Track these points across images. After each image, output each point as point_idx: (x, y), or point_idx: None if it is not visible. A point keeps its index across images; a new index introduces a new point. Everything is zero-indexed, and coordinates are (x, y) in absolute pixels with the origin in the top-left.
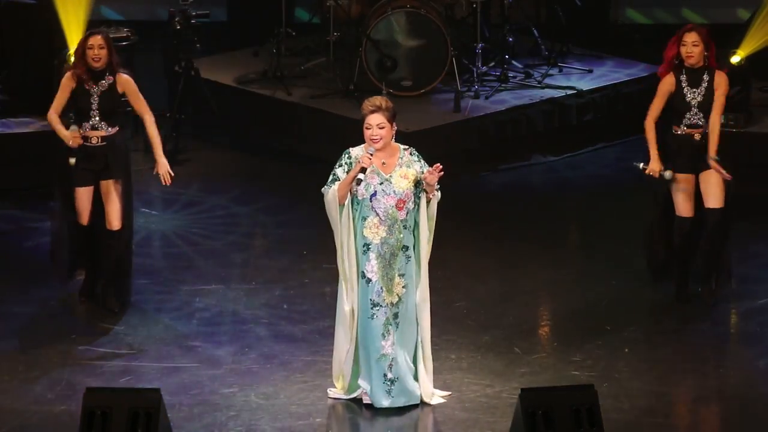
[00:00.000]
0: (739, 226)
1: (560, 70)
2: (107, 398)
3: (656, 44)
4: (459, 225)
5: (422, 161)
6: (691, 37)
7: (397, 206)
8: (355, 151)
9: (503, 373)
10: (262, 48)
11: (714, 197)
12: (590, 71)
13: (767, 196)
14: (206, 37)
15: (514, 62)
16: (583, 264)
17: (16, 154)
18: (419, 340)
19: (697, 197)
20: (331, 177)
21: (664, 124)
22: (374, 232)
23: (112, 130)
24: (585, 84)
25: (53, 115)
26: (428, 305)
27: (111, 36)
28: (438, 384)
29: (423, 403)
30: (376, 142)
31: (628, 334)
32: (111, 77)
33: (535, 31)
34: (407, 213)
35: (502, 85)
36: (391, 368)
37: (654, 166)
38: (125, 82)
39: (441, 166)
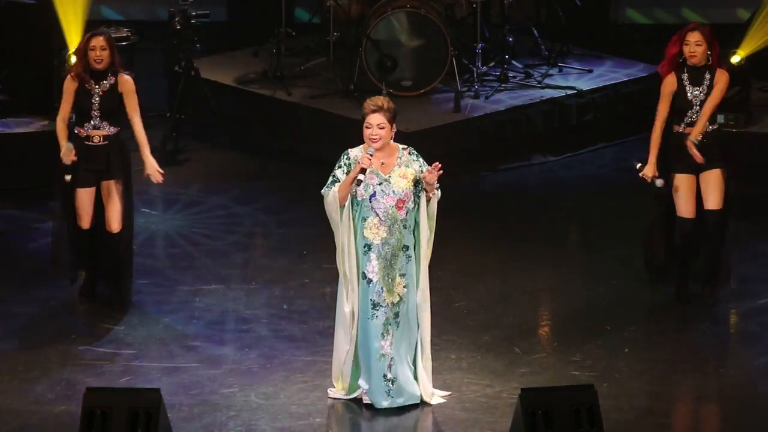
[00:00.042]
0: (740, 226)
1: (560, 70)
2: (107, 398)
3: (656, 44)
4: (459, 225)
5: (421, 160)
6: (694, 37)
7: (396, 206)
8: (354, 152)
9: (503, 373)
10: (262, 48)
11: (713, 198)
12: (590, 71)
13: (767, 196)
14: (206, 37)
15: (514, 62)
16: (583, 264)
17: (16, 154)
18: (419, 340)
19: (698, 197)
20: (330, 179)
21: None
22: (375, 232)
23: (113, 130)
24: (585, 84)
25: (60, 124)
26: (428, 305)
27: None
28: (438, 384)
29: (423, 403)
30: (375, 142)
31: (628, 334)
32: (113, 77)
33: (535, 31)
34: (407, 213)
35: (502, 85)
36: (390, 368)
37: (647, 171)
38: (125, 82)
39: (440, 165)
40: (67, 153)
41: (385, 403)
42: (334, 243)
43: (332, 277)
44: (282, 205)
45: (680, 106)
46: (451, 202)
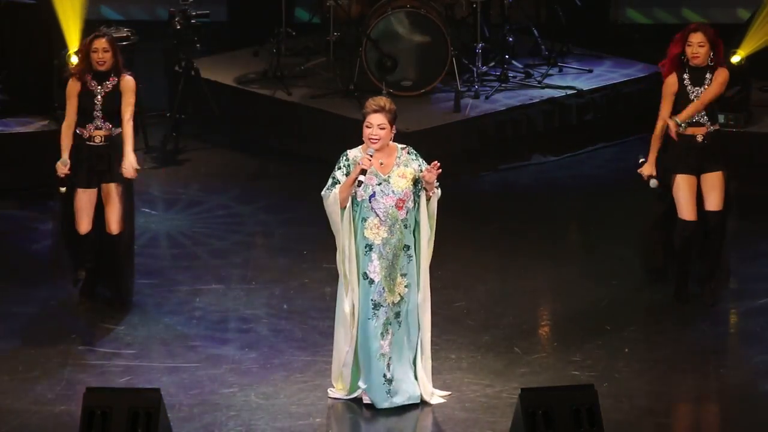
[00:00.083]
0: (740, 226)
1: (560, 70)
2: (107, 398)
3: (656, 44)
4: (459, 225)
5: (420, 159)
6: (697, 38)
7: (396, 206)
8: (353, 153)
9: (503, 373)
10: (262, 48)
11: (714, 200)
12: (590, 71)
13: (767, 196)
14: (206, 37)
15: (514, 62)
16: (583, 264)
17: (16, 154)
18: (419, 339)
19: (698, 197)
20: (330, 180)
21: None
22: (375, 233)
23: (115, 130)
24: (585, 84)
25: (66, 131)
26: (429, 305)
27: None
28: (438, 384)
29: (423, 403)
30: (375, 143)
31: (628, 334)
32: (115, 78)
33: (535, 31)
34: (407, 212)
35: (502, 84)
36: (389, 367)
37: (645, 170)
38: (126, 82)
39: (439, 164)
40: (61, 166)
41: (384, 404)
42: (335, 243)
43: (332, 277)
44: (282, 205)
45: (682, 106)
46: (451, 202)
